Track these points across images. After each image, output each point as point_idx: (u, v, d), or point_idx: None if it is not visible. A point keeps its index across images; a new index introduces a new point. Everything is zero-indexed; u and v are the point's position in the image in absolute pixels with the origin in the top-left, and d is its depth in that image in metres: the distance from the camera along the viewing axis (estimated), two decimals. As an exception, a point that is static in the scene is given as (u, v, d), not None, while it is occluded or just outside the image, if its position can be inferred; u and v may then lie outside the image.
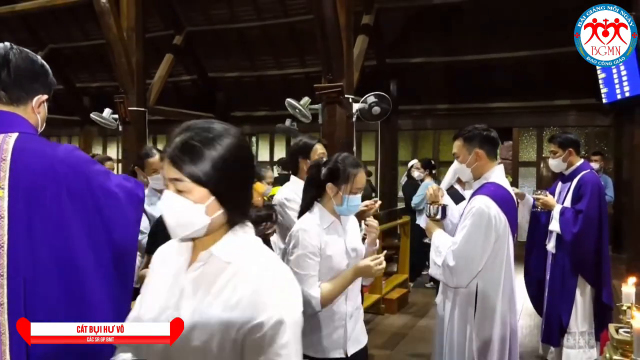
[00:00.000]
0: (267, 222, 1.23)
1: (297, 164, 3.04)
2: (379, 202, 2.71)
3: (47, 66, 1.59)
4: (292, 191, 2.92)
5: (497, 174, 2.49)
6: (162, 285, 1.16)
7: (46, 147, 1.48)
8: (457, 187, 4.60)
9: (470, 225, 2.32)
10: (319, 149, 3.04)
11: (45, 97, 1.57)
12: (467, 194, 3.35)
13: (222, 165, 1.06)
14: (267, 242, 1.46)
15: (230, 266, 1.09)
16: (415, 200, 6.50)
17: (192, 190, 1.06)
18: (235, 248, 1.11)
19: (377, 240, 2.25)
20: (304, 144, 3.04)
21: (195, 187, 1.06)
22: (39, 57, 1.59)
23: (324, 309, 2.03)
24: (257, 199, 2.23)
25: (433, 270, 2.48)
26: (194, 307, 1.07)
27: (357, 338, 2.18)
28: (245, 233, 1.15)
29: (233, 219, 1.12)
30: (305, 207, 2.18)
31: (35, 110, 1.55)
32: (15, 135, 1.46)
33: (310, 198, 2.17)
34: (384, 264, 2.04)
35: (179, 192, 1.07)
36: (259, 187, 2.39)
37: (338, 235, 2.13)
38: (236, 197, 1.11)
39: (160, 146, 12.32)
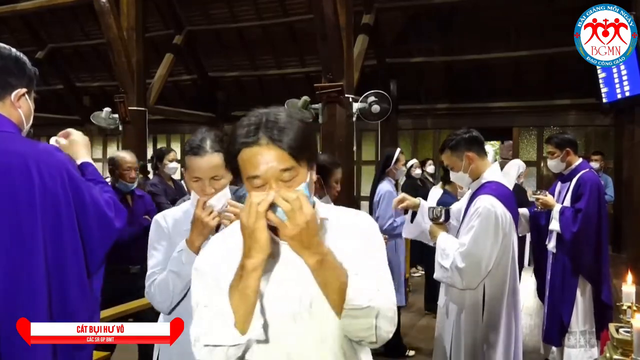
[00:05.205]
0: None
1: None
2: None
3: (24, 59, 1.49)
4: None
5: (494, 172, 2.48)
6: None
7: (23, 147, 1.41)
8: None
9: (478, 225, 2.29)
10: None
11: (25, 90, 1.48)
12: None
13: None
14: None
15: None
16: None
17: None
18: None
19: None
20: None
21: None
22: (13, 49, 1.49)
23: None
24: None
25: (439, 274, 2.42)
26: None
27: None
28: None
29: None
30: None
31: (15, 105, 1.46)
32: None
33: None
34: None
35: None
36: None
37: None
38: None
39: (160, 146, 12.33)
